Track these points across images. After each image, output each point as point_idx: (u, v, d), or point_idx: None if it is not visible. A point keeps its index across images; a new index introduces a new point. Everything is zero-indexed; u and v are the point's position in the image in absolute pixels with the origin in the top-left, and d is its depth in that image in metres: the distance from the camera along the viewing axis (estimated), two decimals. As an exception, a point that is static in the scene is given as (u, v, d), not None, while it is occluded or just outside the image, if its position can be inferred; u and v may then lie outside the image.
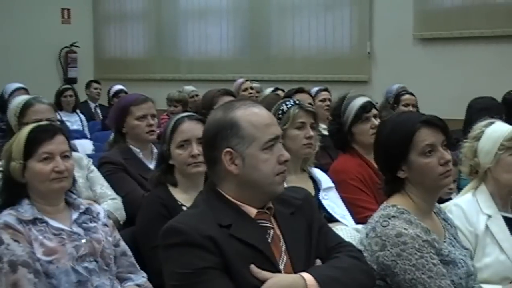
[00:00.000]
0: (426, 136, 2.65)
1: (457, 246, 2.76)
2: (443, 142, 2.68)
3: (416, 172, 2.67)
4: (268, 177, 2.30)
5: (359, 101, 4.18)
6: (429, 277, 2.49)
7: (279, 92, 7.05)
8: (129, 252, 3.06)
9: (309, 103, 5.21)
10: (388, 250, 2.53)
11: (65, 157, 2.92)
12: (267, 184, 2.31)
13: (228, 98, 4.86)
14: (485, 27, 8.73)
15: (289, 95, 5.57)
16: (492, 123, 3.24)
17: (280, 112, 3.75)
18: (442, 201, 3.71)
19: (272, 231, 2.34)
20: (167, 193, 3.34)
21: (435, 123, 2.69)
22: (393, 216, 2.62)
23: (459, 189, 3.86)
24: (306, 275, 2.25)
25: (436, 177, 2.66)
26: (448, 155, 2.68)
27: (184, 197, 3.31)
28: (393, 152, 2.68)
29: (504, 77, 7.93)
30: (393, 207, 2.67)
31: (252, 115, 2.31)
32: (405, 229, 2.55)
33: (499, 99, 5.55)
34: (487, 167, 3.18)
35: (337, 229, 3.14)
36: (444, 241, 2.70)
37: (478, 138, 3.21)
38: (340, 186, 3.90)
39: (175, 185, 3.38)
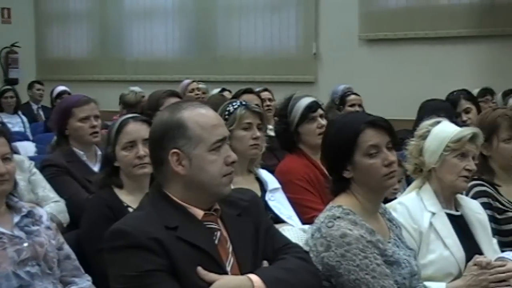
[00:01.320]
0: (370, 137, 2.67)
1: (401, 246, 2.78)
2: (388, 143, 2.70)
3: (360, 173, 2.68)
4: (215, 178, 2.30)
5: (305, 101, 4.20)
6: (372, 277, 2.51)
7: (226, 93, 7.03)
8: (73, 256, 3.01)
9: (256, 104, 5.23)
10: (333, 251, 2.54)
11: (5, 159, 2.86)
12: (214, 185, 2.30)
13: (174, 99, 4.83)
14: (429, 28, 8.89)
15: (236, 96, 5.56)
16: (438, 122, 3.27)
17: (226, 113, 3.74)
18: (387, 201, 3.74)
19: (219, 233, 2.34)
20: (113, 194, 3.30)
21: (380, 124, 2.70)
22: (338, 217, 2.63)
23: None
24: (253, 276, 2.25)
25: (380, 178, 2.68)
26: (392, 156, 2.70)
27: (130, 199, 3.27)
28: (339, 152, 2.69)
29: (448, 78, 8.07)
30: (338, 207, 2.68)
31: (199, 116, 2.31)
32: (349, 230, 2.57)
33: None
34: (432, 166, 3.21)
35: (284, 229, 3.15)
36: (389, 242, 2.72)
37: (424, 137, 3.23)
38: (287, 186, 3.90)
39: (120, 187, 3.34)
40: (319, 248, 2.57)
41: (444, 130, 3.21)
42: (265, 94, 6.81)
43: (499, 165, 3.75)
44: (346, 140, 2.67)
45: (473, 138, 3.18)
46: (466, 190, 3.41)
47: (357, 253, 2.52)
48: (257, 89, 6.87)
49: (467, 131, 3.19)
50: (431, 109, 5.15)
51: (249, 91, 5.81)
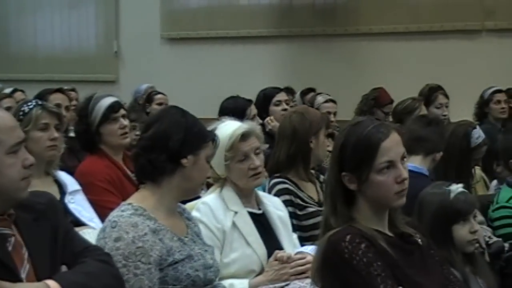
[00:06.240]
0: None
1: (198, 242, 2.86)
2: None
3: (195, 167, 2.77)
4: (14, 182, 2.21)
5: (107, 101, 4.15)
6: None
7: (18, 93, 6.74)
8: None
9: (66, 106, 5.08)
10: None
11: None
12: (12, 190, 2.22)
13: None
14: (230, 28, 9.08)
15: (43, 95, 5.26)
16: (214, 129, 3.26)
17: (21, 113, 3.60)
18: (189, 199, 3.75)
19: (13, 239, 2.23)
20: None
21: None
22: (124, 217, 2.66)
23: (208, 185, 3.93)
24: (50, 282, 2.17)
25: (203, 179, 2.89)
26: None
27: None
28: (191, 139, 2.76)
29: (250, 77, 8.26)
30: (129, 205, 2.72)
31: None
32: (126, 232, 2.61)
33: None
34: (225, 176, 3.27)
35: (85, 232, 3.09)
36: (186, 237, 2.80)
37: None
38: (87, 188, 3.83)
39: None
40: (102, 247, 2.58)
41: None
42: (72, 94, 6.64)
43: (314, 160, 3.85)
44: (201, 132, 2.82)
45: (245, 136, 3.23)
46: (261, 184, 3.48)
47: (119, 259, 2.55)
48: (65, 88, 6.68)
49: (236, 132, 3.22)
50: (232, 107, 5.22)
51: (60, 90, 5.57)
